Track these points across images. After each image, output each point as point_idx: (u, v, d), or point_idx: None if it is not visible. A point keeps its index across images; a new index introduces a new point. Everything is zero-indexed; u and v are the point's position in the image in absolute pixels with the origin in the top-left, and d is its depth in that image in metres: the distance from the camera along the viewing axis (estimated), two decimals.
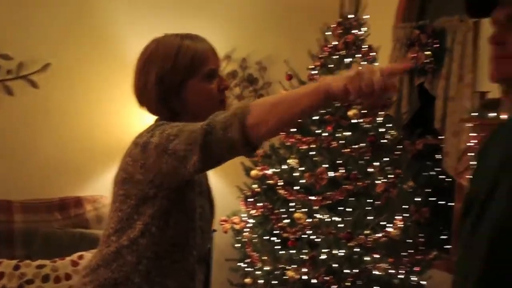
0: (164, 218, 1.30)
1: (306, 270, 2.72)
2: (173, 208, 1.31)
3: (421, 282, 2.88)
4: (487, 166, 1.12)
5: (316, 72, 3.09)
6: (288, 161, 2.98)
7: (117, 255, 1.32)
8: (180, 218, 1.33)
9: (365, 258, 2.74)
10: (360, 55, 3.04)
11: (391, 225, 2.81)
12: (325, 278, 2.70)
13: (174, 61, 1.33)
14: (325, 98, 1.08)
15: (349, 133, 2.90)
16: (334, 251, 2.73)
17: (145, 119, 1.42)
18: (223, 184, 3.46)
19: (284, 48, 3.74)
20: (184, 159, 1.18)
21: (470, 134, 2.89)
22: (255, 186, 3.10)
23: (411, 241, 2.92)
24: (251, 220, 3.06)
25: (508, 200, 0.98)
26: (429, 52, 3.27)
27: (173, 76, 1.33)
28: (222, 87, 1.38)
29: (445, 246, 3.22)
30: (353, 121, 2.91)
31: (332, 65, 3.06)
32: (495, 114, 2.66)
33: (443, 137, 3.25)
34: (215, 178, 3.02)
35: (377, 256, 2.74)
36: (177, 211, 1.32)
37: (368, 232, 2.77)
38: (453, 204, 3.18)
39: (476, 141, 2.78)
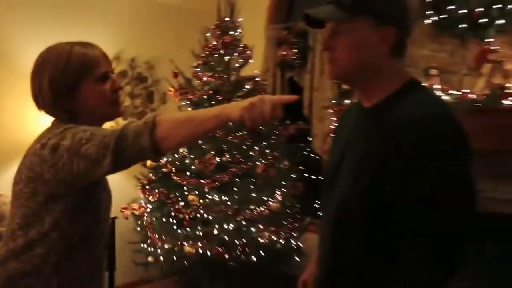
0: (74, 213, 1.35)
1: (201, 244, 2.98)
2: (81, 203, 1.36)
3: (299, 244, 3.28)
4: (337, 146, 1.35)
5: (199, 69, 3.39)
6: (179, 150, 3.23)
7: (26, 248, 1.34)
8: (88, 212, 1.40)
9: (251, 229, 3.07)
10: (237, 54, 3.40)
11: (272, 199, 3.18)
12: (218, 250, 2.98)
13: (65, 66, 1.37)
14: (225, 123, 1.27)
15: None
16: (225, 226, 3.03)
17: (42, 119, 1.48)
18: (122, 176, 3.56)
19: (169, 48, 3.93)
20: (96, 162, 1.25)
21: (332, 119, 3.38)
22: (151, 174, 3.30)
23: (289, 211, 3.31)
24: (150, 205, 3.26)
25: (349, 176, 1.20)
26: (296, 50, 3.76)
27: (65, 79, 1.37)
28: (114, 88, 1.44)
29: (317, 213, 3.63)
30: None
31: (213, 63, 3.37)
32: (350, 101, 3.15)
33: (311, 122, 3.74)
34: None
35: (261, 226, 3.09)
36: (85, 206, 1.38)
37: (252, 207, 3.10)
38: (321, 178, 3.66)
39: (336, 124, 3.26)
